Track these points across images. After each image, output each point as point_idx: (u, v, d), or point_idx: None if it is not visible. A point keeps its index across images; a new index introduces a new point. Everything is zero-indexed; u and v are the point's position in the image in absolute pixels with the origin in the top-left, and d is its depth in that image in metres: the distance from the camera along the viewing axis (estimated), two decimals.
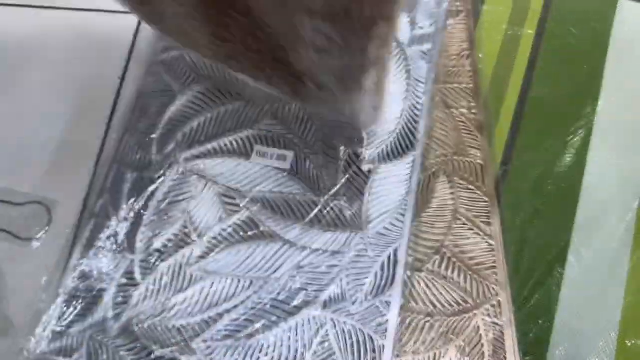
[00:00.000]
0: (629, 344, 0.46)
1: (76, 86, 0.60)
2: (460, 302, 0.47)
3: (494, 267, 0.48)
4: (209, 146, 0.53)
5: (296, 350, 0.45)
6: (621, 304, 0.47)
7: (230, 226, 0.50)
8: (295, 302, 0.47)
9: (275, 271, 0.48)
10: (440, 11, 0.57)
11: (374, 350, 0.45)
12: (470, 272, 0.48)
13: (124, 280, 0.49)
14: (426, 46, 0.55)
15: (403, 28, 0.57)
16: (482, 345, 0.45)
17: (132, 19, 0.62)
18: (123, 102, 0.58)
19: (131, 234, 0.51)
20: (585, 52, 0.56)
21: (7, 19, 0.64)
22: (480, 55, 0.56)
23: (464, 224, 0.49)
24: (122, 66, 0.60)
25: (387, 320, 0.46)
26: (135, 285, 0.49)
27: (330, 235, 0.49)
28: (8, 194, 0.55)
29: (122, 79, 0.60)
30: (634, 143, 0.52)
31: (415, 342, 0.46)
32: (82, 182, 0.55)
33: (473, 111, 0.53)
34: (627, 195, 0.51)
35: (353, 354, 0.45)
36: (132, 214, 0.52)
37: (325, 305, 0.46)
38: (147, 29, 0.61)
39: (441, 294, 0.47)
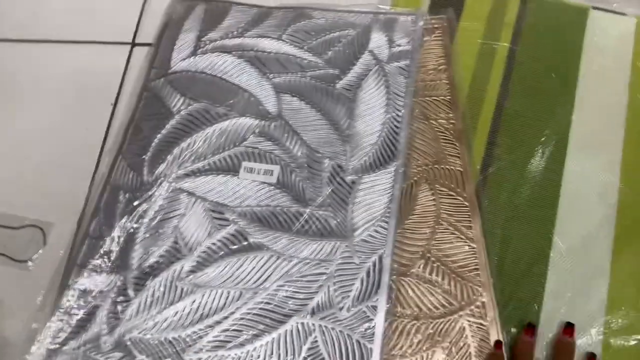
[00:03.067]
0: (612, 341, 0.47)
1: (70, 112, 0.62)
2: (446, 304, 0.48)
3: (476, 269, 0.49)
4: (198, 165, 0.55)
5: (286, 357, 0.46)
6: (605, 300, 0.48)
7: (219, 240, 0.51)
8: (284, 311, 0.48)
9: (264, 281, 0.49)
10: (417, 29, 0.60)
11: (362, 355, 0.46)
12: (454, 275, 0.49)
13: (118, 297, 0.51)
14: (404, 62, 0.58)
15: (382, 46, 0.59)
16: (468, 346, 0.46)
17: (124, 49, 0.65)
18: (116, 126, 0.60)
19: (124, 253, 0.52)
20: (559, 63, 0.58)
21: (5, 53, 0.67)
22: (457, 69, 0.58)
23: (447, 229, 0.51)
24: (115, 93, 0.63)
25: (374, 325, 0.46)
26: (128, 301, 0.50)
27: (316, 244, 0.50)
28: (4, 218, 0.57)
29: (115, 104, 0.62)
30: (607, 146, 0.54)
31: (402, 346, 0.47)
32: (76, 204, 0.57)
33: (451, 121, 0.55)
34: (604, 195, 0.52)
35: (342, 358, 0.46)
36: (125, 233, 0.53)
37: (313, 312, 0.47)
38: (138, 58, 0.64)
39: (426, 297, 0.48)
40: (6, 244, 0.56)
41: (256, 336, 0.47)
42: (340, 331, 0.47)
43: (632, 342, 0.47)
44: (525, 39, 0.60)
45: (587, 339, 0.47)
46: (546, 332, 0.47)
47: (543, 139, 0.54)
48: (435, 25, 0.61)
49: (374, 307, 0.47)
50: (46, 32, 0.67)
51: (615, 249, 0.50)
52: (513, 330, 0.47)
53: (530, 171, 0.53)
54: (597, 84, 0.57)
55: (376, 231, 0.50)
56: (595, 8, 0.61)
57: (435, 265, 0.49)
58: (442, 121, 0.55)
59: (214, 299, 0.49)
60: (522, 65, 0.59)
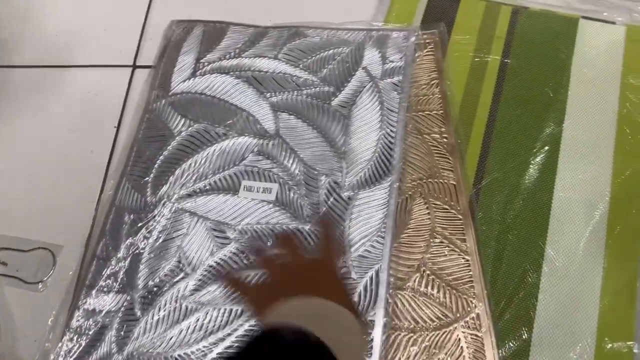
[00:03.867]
0: (607, 347, 0.48)
1: (76, 135, 0.64)
2: (441, 316, 0.49)
3: (471, 281, 0.50)
4: (199, 184, 0.57)
5: None
6: (597, 308, 0.49)
7: (221, 258, 0.53)
8: None
9: None
10: (409, 45, 0.61)
11: None
12: (449, 288, 0.50)
13: (125, 317, 0.53)
14: (397, 78, 0.59)
15: (375, 62, 0.61)
16: (464, 357, 0.47)
17: (126, 72, 0.67)
18: (119, 148, 0.62)
19: (130, 273, 0.54)
20: (550, 73, 0.59)
21: (14, 78, 0.69)
22: (449, 83, 0.59)
23: (441, 242, 0.52)
24: (118, 115, 0.65)
25: (372, 338, 0.48)
26: (136, 320, 0.52)
27: None
28: (15, 241, 0.59)
29: (118, 127, 0.64)
30: (598, 156, 0.55)
31: (399, 358, 0.48)
32: (84, 226, 0.59)
33: (444, 135, 0.56)
34: (594, 205, 0.53)
35: None
36: (130, 254, 0.55)
37: None
38: (139, 80, 0.66)
39: (422, 310, 0.50)
40: (18, 267, 0.58)
41: None
42: None
43: (625, 350, 0.48)
44: (516, 50, 0.61)
45: (581, 348, 0.48)
46: (543, 341, 0.49)
47: (535, 149, 0.56)
48: (427, 40, 0.62)
49: (372, 321, 0.48)
50: (50, 58, 0.69)
51: (607, 257, 0.51)
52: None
53: (523, 182, 0.54)
54: (588, 93, 0.58)
55: (372, 246, 0.52)
56: (584, 17, 0.62)
57: (430, 278, 0.50)
58: (436, 135, 0.57)
59: (217, 316, 0.51)
60: (514, 77, 0.60)
